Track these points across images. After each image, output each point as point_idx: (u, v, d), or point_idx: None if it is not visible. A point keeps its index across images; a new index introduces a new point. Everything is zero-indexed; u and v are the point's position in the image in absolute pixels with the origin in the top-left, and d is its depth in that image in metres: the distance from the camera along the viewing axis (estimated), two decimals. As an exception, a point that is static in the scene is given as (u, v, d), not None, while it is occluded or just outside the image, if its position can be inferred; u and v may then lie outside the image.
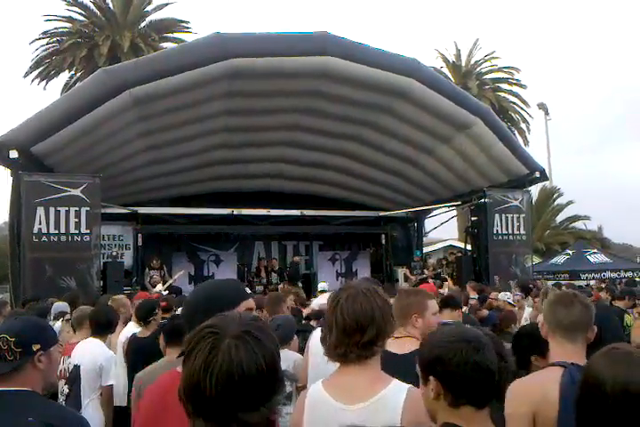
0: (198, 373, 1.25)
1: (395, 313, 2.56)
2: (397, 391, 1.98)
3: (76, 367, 4.20)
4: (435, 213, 16.69)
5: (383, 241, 15.69)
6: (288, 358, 4.01)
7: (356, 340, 2.01)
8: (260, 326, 1.37)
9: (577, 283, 13.07)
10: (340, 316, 2.04)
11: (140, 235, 13.44)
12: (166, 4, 28.53)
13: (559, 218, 28.92)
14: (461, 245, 16.91)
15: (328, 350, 2.09)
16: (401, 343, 2.94)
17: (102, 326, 4.44)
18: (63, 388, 4.26)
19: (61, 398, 4.20)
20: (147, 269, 12.88)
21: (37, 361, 2.14)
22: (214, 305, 1.84)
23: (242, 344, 1.28)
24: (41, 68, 26.42)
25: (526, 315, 7.05)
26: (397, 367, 2.31)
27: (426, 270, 14.25)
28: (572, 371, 2.21)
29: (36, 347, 2.14)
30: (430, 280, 13.38)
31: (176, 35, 28.73)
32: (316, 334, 3.66)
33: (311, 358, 3.72)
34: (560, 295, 2.58)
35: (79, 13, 27.31)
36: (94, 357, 4.21)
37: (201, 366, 1.26)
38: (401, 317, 2.97)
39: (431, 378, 1.66)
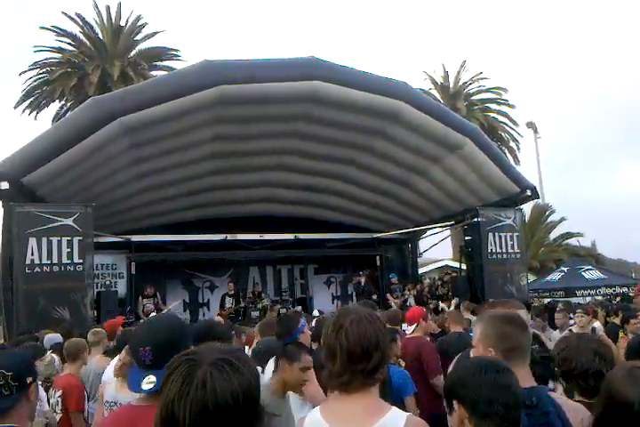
0: (172, 401, 1.23)
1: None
2: (396, 419, 1.91)
3: None
4: (429, 233, 16.70)
5: (378, 263, 15.65)
6: None
7: (362, 367, 1.95)
8: (239, 356, 1.34)
9: (573, 300, 13.03)
10: (346, 342, 1.97)
11: (133, 263, 13.37)
12: (155, 33, 28.94)
13: (553, 235, 29.05)
14: (456, 264, 16.89)
15: (330, 379, 2.02)
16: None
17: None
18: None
19: None
20: (140, 298, 12.78)
21: (30, 393, 2.14)
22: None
23: (217, 372, 1.25)
24: (31, 99, 26.58)
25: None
26: None
27: (407, 291, 14.13)
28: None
29: (29, 380, 2.14)
30: (411, 300, 13.30)
31: (166, 63, 29.07)
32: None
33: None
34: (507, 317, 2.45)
35: (69, 44, 27.61)
36: None
37: (175, 394, 1.24)
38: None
39: (454, 402, 1.65)
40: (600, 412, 1.65)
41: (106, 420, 2.23)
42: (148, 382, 1.93)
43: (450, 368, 3.02)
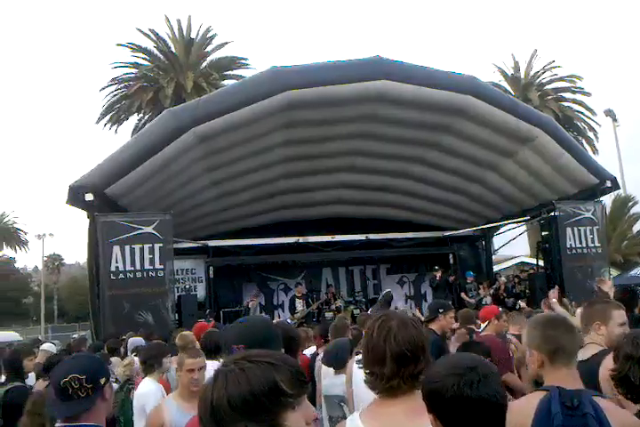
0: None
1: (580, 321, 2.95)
2: None
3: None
4: (503, 229, 16.31)
5: (451, 261, 15.43)
6: (342, 382, 4.03)
7: (410, 371, 1.96)
8: (257, 357, 1.36)
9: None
10: (396, 345, 1.97)
11: (211, 267, 13.80)
12: (225, 44, 29.80)
13: (636, 227, 27.53)
14: (533, 261, 16.40)
15: (378, 383, 1.99)
16: (583, 350, 2.96)
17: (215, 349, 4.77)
18: None
19: None
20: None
21: (105, 393, 2.27)
22: None
23: (225, 376, 1.31)
24: (111, 113, 27.93)
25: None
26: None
27: (481, 291, 13.78)
28: (554, 396, 2.15)
29: (102, 380, 2.26)
30: (487, 299, 12.98)
31: (236, 71, 29.81)
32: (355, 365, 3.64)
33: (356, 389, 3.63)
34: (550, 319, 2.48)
35: (144, 58, 28.84)
36: None
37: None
38: (585, 324, 3.17)
39: (430, 415, 1.58)
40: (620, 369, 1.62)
41: (192, 421, 2.37)
42: None
43: None
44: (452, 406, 1.51)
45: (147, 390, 4.47)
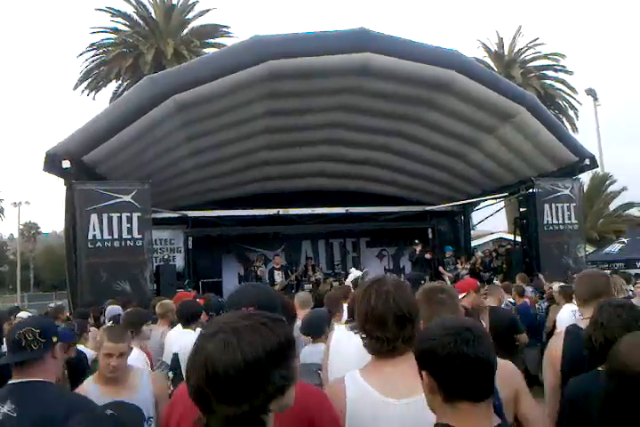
0: (188, 367, 1.33)
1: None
2: None
3: (175, 355, 4.51)
4: (482, 205, 16.45)
5: (430, 236, 15.56)
6: (319, 351, 4.05)
7: (409, 331, 1.99)
8: (255, 324, 1.35)
9: (633, 271, 12.65)
10: (396, 308, 1.99)
11: (190, 238, 13.75)
12: (207, 11, 29.13)
13: (612, 206, 27.92)
14: (511, 237, 16.60)
15: (380, 346, 2.01)
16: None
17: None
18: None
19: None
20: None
21: (55, 352, 2.44)
22: None
23: (222, 341, 1.30)
24: (89, 80, 27.29)
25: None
26: None
27: (459, 265, 13.97)
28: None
29: (55, 338, 2.44)
30: (464, 273, 13.14)
31: (217, 40, 29.21)
32: (340, 334, 3.65)
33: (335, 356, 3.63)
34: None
35: (123, 24, 28.11)
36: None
37: (190, 359, 1.33)
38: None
39: (423, 372, 1.60)
40: (616, 384, 1.63)
41: (180, 389, 2.37)
42: None
43: (557, 342, 3.08)
44: (448, 363, 1.53)
45: (131, 356, 4.46)
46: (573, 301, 5.79)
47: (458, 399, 1.53)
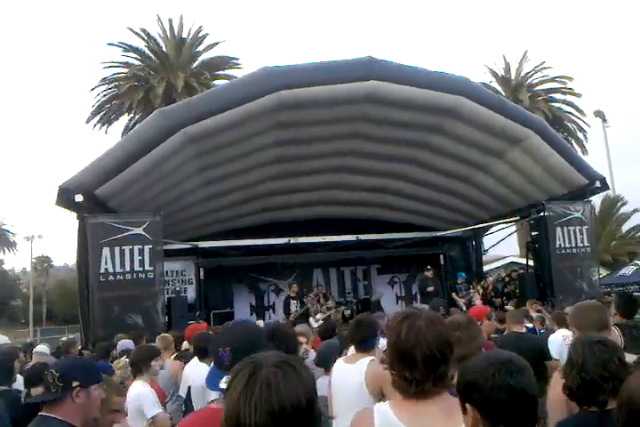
0: (237, 401, 1.27)
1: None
2: None
3: (189, 388, 4.71)
4: (493, 229, 16.36)
5: (442, 262, 15.46)
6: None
7: (441, 373, 1.89)
8: (297, 359, 1.42)
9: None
10: (427, 347, 1.88)
11: (201, 269, 13.75)
12: (216, 44, 29.68)
13: (625, 227, 27.72)
14: (523, 261, 16.46)
15: (409, 387, 1.89)
16: None
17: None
18: None
19: None
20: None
21: (76, 396, 2.47)
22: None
23: (280, 372, 1.30)
24: (101, 113, 27.74)
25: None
26: None
27: (472, 290, 13.76)
28: None
29: (75, 384, 2.48)
30: (478, 299, 12.95)
31: (227, 71, 29.69)
32: (340, 369, 3.67)
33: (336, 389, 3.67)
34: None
35: (134, 58, 28.68)
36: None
37: (239, 394, 1.27)
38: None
39: (467, 406, 1.61)
40: (623, 422, 1.61)
41: (185, 421, 2.37)
42: (225, 381, 2.01)
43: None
44: (492, 395, 1.56)
45: (142, 392, 4.47)
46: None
47: None
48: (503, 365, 1.59)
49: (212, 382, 2.14)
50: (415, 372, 1.87)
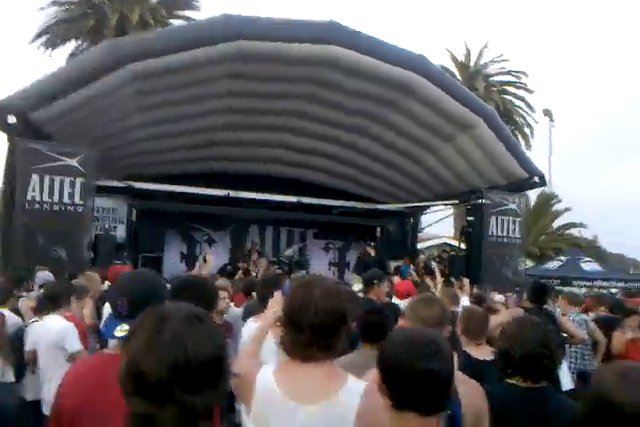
0: (138, 354, 1.21)
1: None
2: (353, 394, 1.88)
3: None
4: (431, 209, 16.64)
5: (378, 234, 15.60)
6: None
7: (327, 342, 1.92)
8: (206, 313, 1.34)
9: (567, 289, 13.07)
10: (314, 318, 1.91)
11: (134, 209, 13.31)
12: (178, -20, 28.23)
13: (555, 224, 28.94)
14: (455, 243, 16.88)
15: (293, 349, 1.96)
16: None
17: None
18: None
19: None
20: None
21: None
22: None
23: (187, 325, 1.24)
24: (48, 36, 26.11)
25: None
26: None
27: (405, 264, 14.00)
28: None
29: None
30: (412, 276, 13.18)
31: (186, 13, 28.46)
32: (250, 328, 3.62)
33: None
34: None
35: (90, -17, 26.99)
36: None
37: (142, 346, 1.21)
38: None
39: (378, 371, 1.64)
40: (586, 412, 1.60)
41: (76, 365, 2.33)
42: (122, 329, 2.01)
43: None
44: (399, 375, 1.57)
45: (63, 326, 4.24)
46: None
47: (407, 410, 1.56)
48: (416, 347, 1.58)
49: (107, 329, 2.10)
50: (301, 337, 1.92)
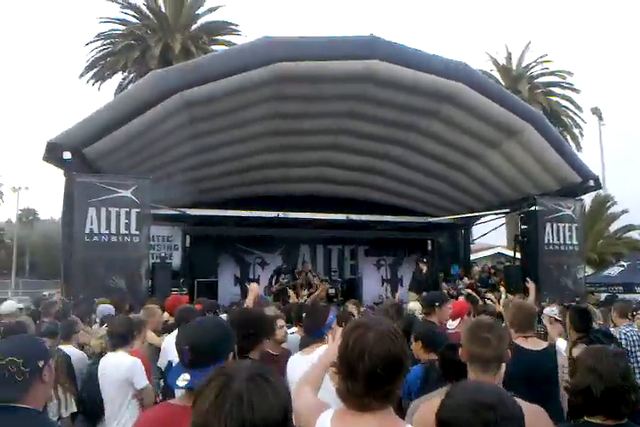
0: (206, 413, 1.23)
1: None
2: None
3: (170, 363, 4.53)
4: (483, 219, 16.35)
5: (430, 248, 15.43)
6: None
7: (384, 391, 1.83)
8: (273, 372, 1.35)
9: (631, 296, 12.56)
10: (369, 363, 1.80)
11: (188, 236, 13.58)
12: (217, 7, 29.03)
13: (613, 227, 27.93)
14: (510, 252, 16.50)
15: (348, 398, 1.86)
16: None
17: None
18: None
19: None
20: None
21: (44, 376, 2.24)
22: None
23: (253, 387, 1.25)
24: (95, 70, 27.17)
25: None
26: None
27: (459, 281, 13.68)
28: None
29: (41, 363, 2.23)
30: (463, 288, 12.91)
31: (225, 37, 29.12)
32: (295, 363, 3.52)
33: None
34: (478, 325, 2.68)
35: (133, 16, 28.04)
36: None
37: (209, 406, 1.23)
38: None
39: None
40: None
41: (143, 416, 2.35)
42: (183, 379, 2.03)
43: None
44: None
45: (132, 362, 4.32)
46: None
47: None
48: (480, 413, 1.47)
49: (172, 377, 2.11)
50: (356, 385, 1.82)
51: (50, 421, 2.32)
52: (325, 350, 2.50)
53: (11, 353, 2.18)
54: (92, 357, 5.07)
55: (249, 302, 5.14)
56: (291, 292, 11.81)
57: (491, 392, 1.62)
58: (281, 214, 13.93)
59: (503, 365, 2.49)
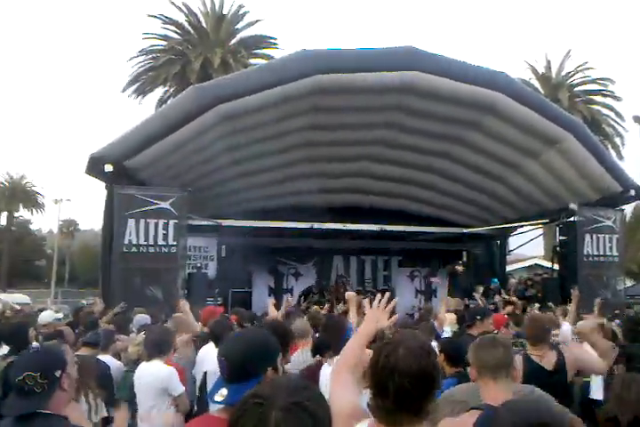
0: None
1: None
2: None
3: (205, 374, 4.67)
4: (519, 230, 16.10)
5: (465, 258, 15.26)
6: None
7: (414, 407, 1.78)
8: (312, 396, 1.28)
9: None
10: (399, 380, 1.76)
11: (223, 247, 13.78)
12: (256, 22, 29.56)
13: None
14: (547, 264, 16.18)
15: (379, 414, 1.83)
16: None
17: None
18: None
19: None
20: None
21: (63, 384, 2.32)
22: None
23: (292, 418, 1.19)
24: (137, 84, 27.95)
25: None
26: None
27: (497, 296, 13.43)
28: (485, 415, 2.22)
29: (58, 373, 2.31)
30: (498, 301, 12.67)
31: (264, 51, 29.59)
32: (327, 371, 3.54)
33: None
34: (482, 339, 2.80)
35: (174, 31, 28.76)
36: None
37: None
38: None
39: None
40: None
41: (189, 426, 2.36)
42: (221, 395, 2.01)
43: None
44: None
45: (167, 371, 4.41)
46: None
47: None
48: None
49: (212, 391, 2.11)
50: (387, 401, 1.79)
51: (73, 425, 2.42)
52: (361, 327, 2.43)
53: (27, 368, 2.26)
54: (128, 364, 5.20)
55: (278, 314, 5.22)
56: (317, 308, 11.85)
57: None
58: (315, 225, 14.02)
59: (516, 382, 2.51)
